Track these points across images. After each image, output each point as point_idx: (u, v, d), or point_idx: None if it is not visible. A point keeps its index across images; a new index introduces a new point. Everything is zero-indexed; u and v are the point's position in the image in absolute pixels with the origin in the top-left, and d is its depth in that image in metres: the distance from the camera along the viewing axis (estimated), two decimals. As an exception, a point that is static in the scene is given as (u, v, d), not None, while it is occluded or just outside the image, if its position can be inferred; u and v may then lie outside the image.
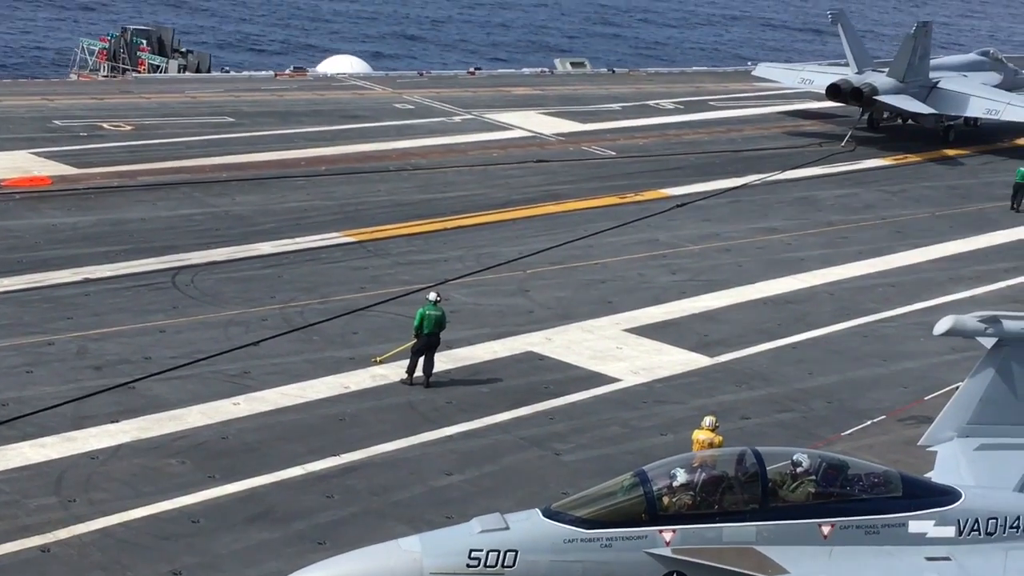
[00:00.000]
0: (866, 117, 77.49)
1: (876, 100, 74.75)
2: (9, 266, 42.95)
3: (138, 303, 41.15)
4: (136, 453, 31.70)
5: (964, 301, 47.88)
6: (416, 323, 37.07)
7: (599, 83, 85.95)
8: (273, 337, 39.02)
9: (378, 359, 38.29)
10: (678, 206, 54.58)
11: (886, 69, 76.43)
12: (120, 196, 51.48)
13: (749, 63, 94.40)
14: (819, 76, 78.74)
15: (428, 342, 37.08)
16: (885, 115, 77.70)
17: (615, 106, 78.03)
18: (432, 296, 37.57)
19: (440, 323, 37.02)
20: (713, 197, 59.49)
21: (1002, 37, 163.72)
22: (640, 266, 49.56)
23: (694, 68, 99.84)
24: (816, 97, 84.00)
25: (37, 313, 39.59)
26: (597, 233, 51.90)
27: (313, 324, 39.80)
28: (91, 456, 31.32)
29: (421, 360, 37.05)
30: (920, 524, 24.94)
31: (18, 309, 39.74)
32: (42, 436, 31.91)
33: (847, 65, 77.74)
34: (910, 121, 77.58)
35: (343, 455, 32.50)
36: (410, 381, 37.02)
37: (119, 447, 31.88)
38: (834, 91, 75.17)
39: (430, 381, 37.10)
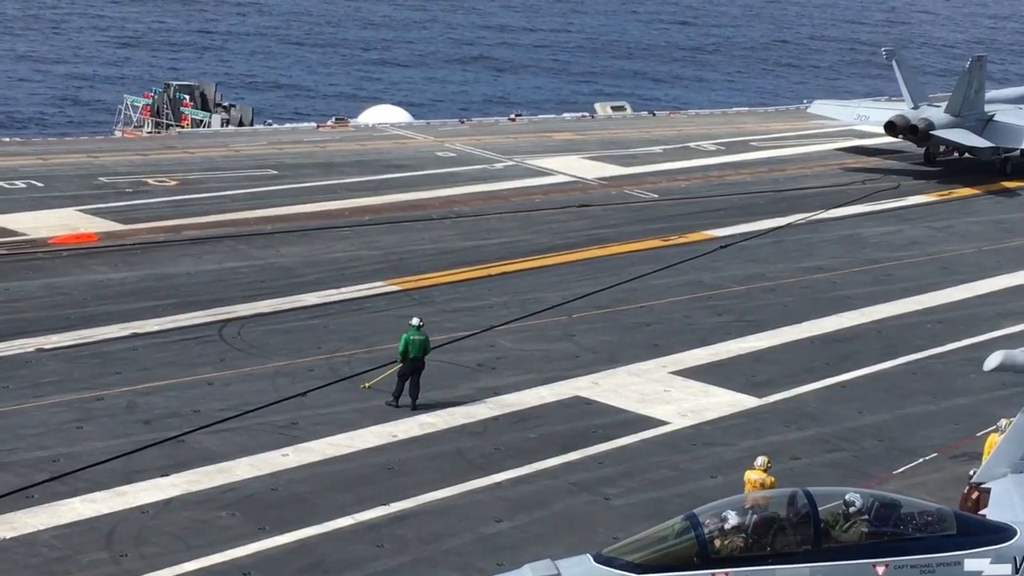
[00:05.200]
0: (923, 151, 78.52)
1: (932, 135, 75.26)
2: (58, 323, 43.24)
3: (186, 356, 41.33)
4: (186, 506, 31.79)
5: (1013, 336, 47.51)
6: (401, 349, 38.11)
7: (640, 126, 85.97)
8: (321, 387, 39.14)
9: (367, 385, 38.90)
10: (722, 247, 54.43)
11: (941, 104, 77.01)
12: (166, 251, 51.81)
13: (804, 101, 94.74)
14: (875, 112, 79.50)
15: (414, 366, 38.12)
16: (942, 149, 78.25)
17: (656, 149, 78.03)
18: (415, 321, 38.58)
19: (424, 347, 38.12)
20: (757, 237, 59.35)
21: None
22: (685, 308, 49.46)
23: (735, 109, 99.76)
24: (857, 135, 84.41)
25: (86, 369, 39.82)
26: (641, 276, 51.82)
27: (360, 373, 39.80)
28: (142, 510, 31.43)
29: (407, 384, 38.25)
30: (976, 562, 24.74)
31: (67, 365, 39.98)
32: (93, 491, 32.04)
33: (903, 101, 78.40)
34: (967, 155, 78.20)
35: (392, 504, 32.50)
36: (395, 403, 38.09)
37: (169, 501, 31.99)
38: (891, 127, 75.84)
39: (416, 404, 38.14)
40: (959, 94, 75.17)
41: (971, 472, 31.78)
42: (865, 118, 79.73)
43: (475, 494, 33.51)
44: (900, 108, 77.72)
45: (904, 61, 79.33)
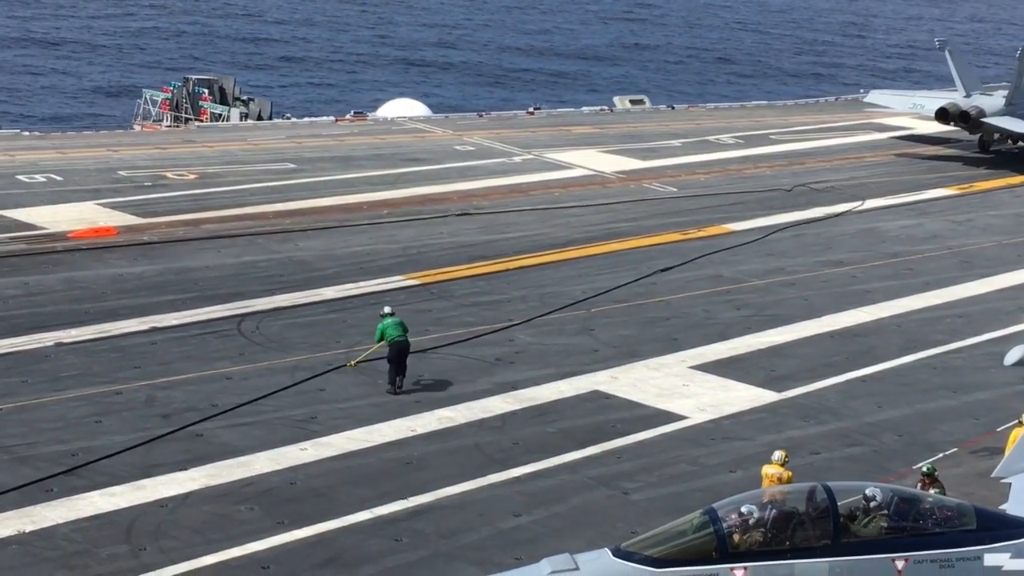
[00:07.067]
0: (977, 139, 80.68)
1: (984, 122, 77.08)
2: (77, 316, 43.30)
3: (204, 351, 41.37)
4: (205, 500, 31.81)
5: (1034, 330, 47.42)
6: (378, 337, 38.84)
7: (658, 120, 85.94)
8: (333, 369, 39.41)
9: (352, 363, 39.82)
10: (662, 270, 52.08)
11: (994, 93, 79.08)
12: (185, 244, 51.83)
13: (861, 90, 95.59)
14: (929, 101, 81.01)
15: (399, 348, 38.56)
16: (995, 137, 79.90)
17: (675, 142, 77.96)
18: (386, 309, 39.58)
19: (404, 326, 38.77)
20: (777, 232, 59.30)
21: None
22: (704, 302, 49.35)
23: (754, 102, 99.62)
24: (878, 128, 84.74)
25: (105, 363, 39.87)
26: (662, 271, 51.77)
27: (377, 359, 39.76)
28: (161, 504, 31.46)
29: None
30: (996, 557, 24.64)
31: (86, 359, 40.03)
32: (112, 485, 32.09)
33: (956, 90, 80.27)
34: (1021, 143, 79.82)
35: (411, 498, 32.48)
36: (394, 391, 38.47)
37: (188, 495, 32.01)
38: (942, 114, 77.70)
39: (400, 389, 38.58)
40: (1013, 83, 77.09)
41: (924, 466, 31.38)
42: (920, 107, 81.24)
43: (493, 488, 33.48)
44: (954, 97, 79.35)
45: (957, 50, 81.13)
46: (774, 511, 24.17)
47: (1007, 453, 30.79)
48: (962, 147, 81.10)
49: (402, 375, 38.78)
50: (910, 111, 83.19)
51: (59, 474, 32.31)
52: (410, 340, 39.12)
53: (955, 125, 78.83)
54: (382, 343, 38.93)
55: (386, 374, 38.88)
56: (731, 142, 79.30)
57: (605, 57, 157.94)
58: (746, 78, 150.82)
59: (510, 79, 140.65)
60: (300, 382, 38.79)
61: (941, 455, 36.70)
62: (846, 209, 64.11)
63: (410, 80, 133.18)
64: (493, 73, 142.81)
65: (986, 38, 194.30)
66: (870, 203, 65.49)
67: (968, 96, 78.61)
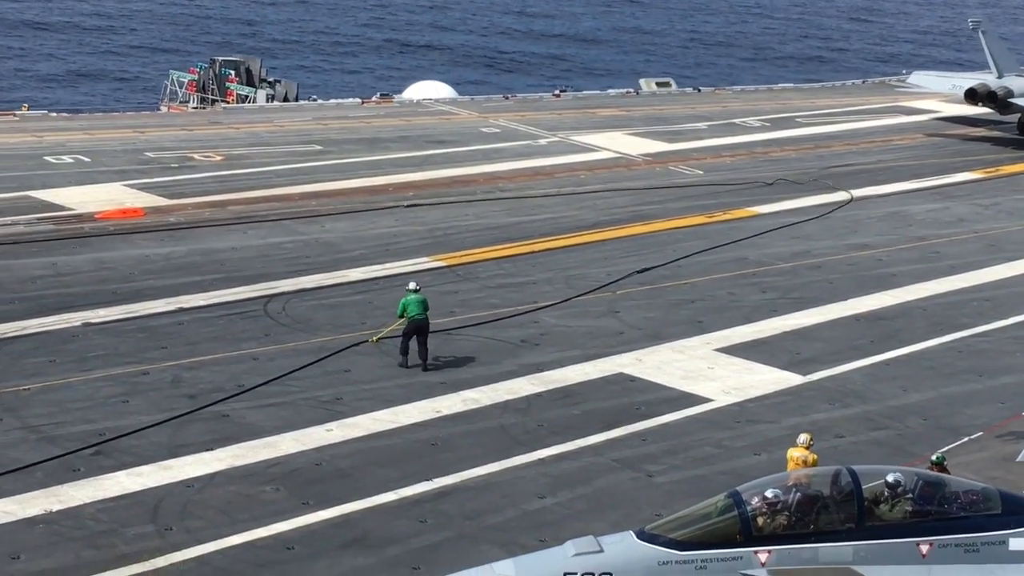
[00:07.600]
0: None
1: (1011, 102, 77.45)
2: (104, 297, 43.50)
3: (231, 331, 41.51)
4: (231, 481, 31.95)
5: (1061, 314, 47.26)
6: (399, 311, 39.02)
7: (684, 102, 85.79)
8: (354, 345, 39.46)
9: (374, 339, 40.28)
10: (638, 272, 49.88)
11: None
12: (211, 226, 51.98)
13: (904, 71, 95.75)
14: (967, 82, 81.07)
15: (417, 325, 38.83)
16: None
17: (701, 125, 77.84)
18: (412, 285, 39.70)
19: (425, 304, 38.96)
20: (804, 216, 59.16)
21: None
22: (730, 285, 49.30)
23: (780, 85, 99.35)
24: (905, 111, 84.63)
25: (132, 343, 40.04)
26: (689, 256, 51.71)
27: (398, 336, 39.81)
28: (187, 484, 31.61)
29: (413, 343, 39.10)
30: (1021, 541, 24.60)
31: (114, 339, 40.21)
32: (139, 465, 32.26)
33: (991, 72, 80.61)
34: None
35: (436, 480, 32.56)
36: (405, 363, 38.87)
37: (214, 475, 32.15)
38: (971, 95, 78.15)
39: (428, 366, 38.94)
40: None
41: (934, 456, 30.94)
42: (960, 88, 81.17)
43: (518, 470, 33.53)
44: (987, 78, 79.71)
45: (990, 32, 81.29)
46: (799, 494, 24.17)
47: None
48: (1002, 130, 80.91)
49: (425, 355, 38.94)
50: (949, 92, 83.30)
51: (84, 449, 32.52)
52: (432, 320, 39.28)
53: (983, 106, 78.93)
54: (403, 319, 39.11)
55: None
56: (757, 125, 79.14)
57: (606, 40, 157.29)
58: (747, 61, 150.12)
59: (506, 62, 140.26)
60: (319, 360, 38.90)
61: (966, 439, 36.66)
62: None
63: (403, 64, 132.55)
64: (490, 56, 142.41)
65: (998, 24, 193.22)
66: (869, 191, 64.79)
67: (1001, 77, 78.76)
